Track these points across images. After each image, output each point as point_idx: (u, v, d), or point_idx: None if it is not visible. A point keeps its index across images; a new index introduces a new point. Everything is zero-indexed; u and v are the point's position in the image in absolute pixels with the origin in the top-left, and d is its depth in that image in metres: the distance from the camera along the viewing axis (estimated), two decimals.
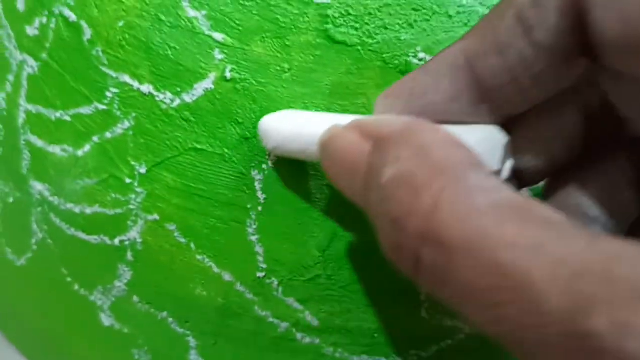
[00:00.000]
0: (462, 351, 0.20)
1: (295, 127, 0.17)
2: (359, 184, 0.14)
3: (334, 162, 0.15)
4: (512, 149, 0.16)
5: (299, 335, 0.20)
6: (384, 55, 0.18)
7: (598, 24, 0.13)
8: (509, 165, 0.16)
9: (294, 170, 0.18)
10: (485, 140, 0.15)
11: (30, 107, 0.20)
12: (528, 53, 0.14)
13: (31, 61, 0.20)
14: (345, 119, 0.16)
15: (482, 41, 0.14)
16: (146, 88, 0.19)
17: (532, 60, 0.14)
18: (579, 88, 0.15)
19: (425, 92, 0.15)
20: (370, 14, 0.18)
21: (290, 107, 0.18)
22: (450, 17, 0.18)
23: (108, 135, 0.19)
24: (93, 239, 0.20)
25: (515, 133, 0.16)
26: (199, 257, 0.19)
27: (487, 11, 0.18)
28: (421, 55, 0.18)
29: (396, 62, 0.18)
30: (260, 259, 0.19)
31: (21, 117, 0.21)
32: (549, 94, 0.15)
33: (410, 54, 0.18)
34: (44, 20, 0.20)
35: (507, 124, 0.16)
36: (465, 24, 0.18)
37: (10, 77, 0.21)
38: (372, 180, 0.13)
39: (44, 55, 0.20)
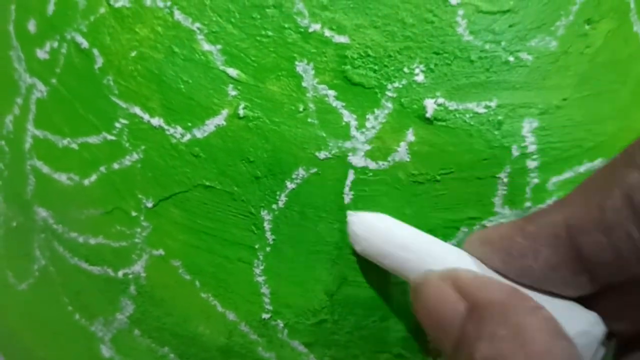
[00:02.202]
0: None
1: (385, 244, 0.17)
2: (448, 341, 0.14)
3: (425, 310, 0.15)
4: (607, 313, 0.16)
5: None
6: (402, 100, 0.17)
7: None
8: (600, 355, 0.16)
9: (304, 213, 0.18)
10: (584, 335, 0.15)
11: (37, 132, 0.20)
12: (637, 236, 0.14)
13: (40, 85, 0.20)
14: (443, 249, 0.16)
15: (586, 217, 0.14)
16: (156, 121, 0.18)
17: None
18: None
19: (524, 255, 0.15)
20: (390, 56, 0.17)
21: (304, 148, 0.18)
22: (471, 62, 0.18)
23: (115, 166, 0.19)
24: (96, 269, 0.20)
25: (609, 298, 0.16)
26: (203, 295, 0.19)
27: (509, 57, 0.18)
28: (440, 100, 0.17)
29: (414, 106, 0.17)
30: (266, 300, 0.19)
31: (28, 142, 0.20)
32: None
33: (429, 99, 0.17)
34: (55, 44, 0.20)
35: (603, 290, 0.16)
36: (487, 69, 0.18)
37: (19, 100, 0.20)
38: (464, 350, 0.14)
39: (54, 81, 0.20)
